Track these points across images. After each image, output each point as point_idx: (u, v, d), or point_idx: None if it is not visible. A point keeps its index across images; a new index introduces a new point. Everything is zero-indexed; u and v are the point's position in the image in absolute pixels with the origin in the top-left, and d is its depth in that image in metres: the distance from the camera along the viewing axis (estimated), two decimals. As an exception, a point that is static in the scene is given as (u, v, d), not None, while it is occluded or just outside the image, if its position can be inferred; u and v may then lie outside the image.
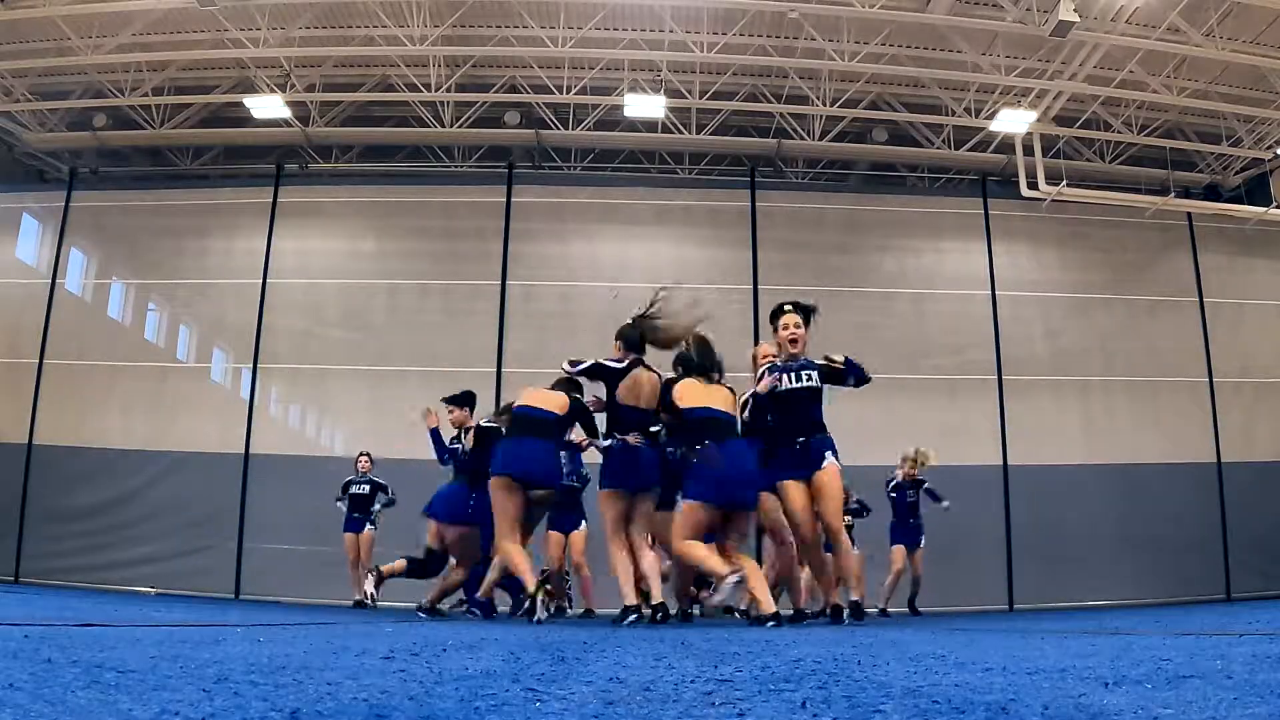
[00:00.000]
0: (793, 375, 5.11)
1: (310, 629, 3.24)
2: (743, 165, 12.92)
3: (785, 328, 5.21)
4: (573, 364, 5.38)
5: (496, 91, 11.85)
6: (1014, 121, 11.20)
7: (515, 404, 5.53)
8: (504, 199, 11.83)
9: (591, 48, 10.78)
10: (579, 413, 5.52)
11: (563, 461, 6.15)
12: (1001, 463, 11.02)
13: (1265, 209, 11.68)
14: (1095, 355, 11.73)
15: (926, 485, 8.74)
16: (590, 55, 11.01)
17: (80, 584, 10.25)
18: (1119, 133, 11.93)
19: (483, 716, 1.06)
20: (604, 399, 5.38)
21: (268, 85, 11.49)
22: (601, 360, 5.35)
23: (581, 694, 1.28)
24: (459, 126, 12.05)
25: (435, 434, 6.91)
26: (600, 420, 5.53)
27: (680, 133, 12.09)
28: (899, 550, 8.65)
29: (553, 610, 5.80)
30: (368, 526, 8.98)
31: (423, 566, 6.59)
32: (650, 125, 12.06)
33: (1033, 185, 11.40)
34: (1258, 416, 11.74)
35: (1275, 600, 9.51)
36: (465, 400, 6.85)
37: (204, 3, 9.49)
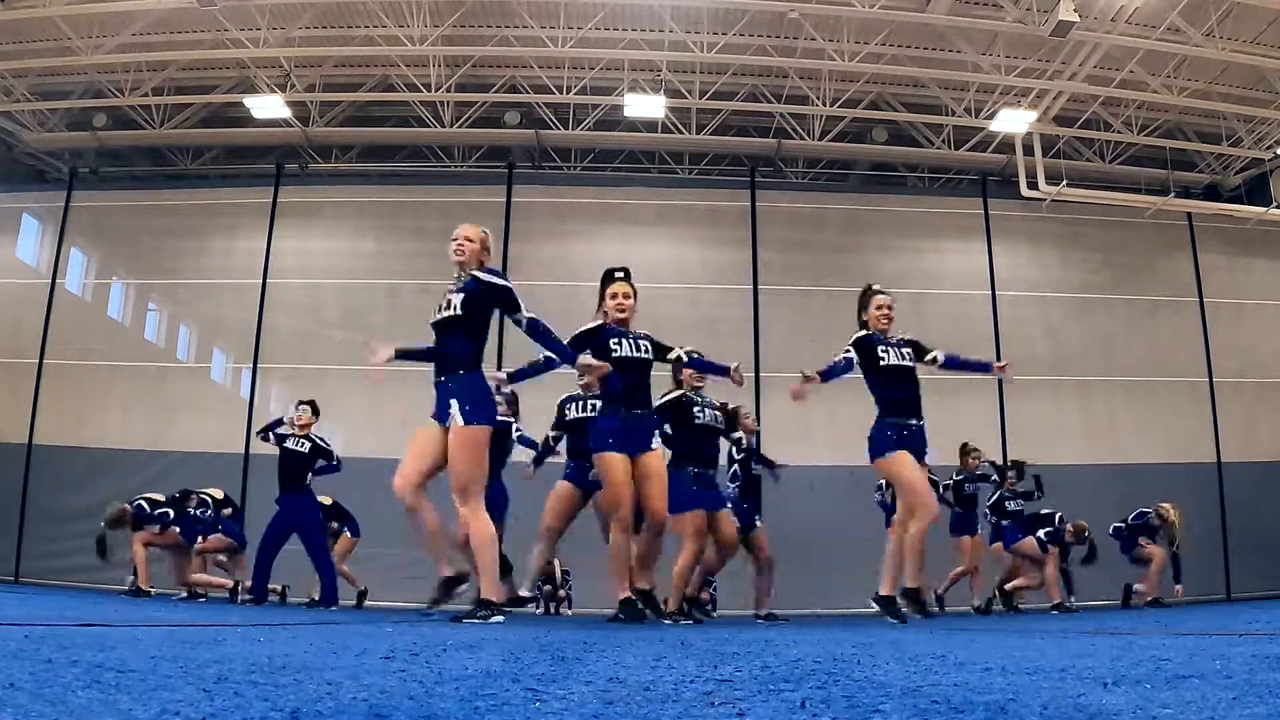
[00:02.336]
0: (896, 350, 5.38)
1: (310, 629, 3.24)
2: (743, 165, 12.92)
3: (880, 306, 5.46)
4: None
5: (496, 91, 11.85)
6: (1014, 121, 11.21)
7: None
8: (504, 199, 11.83)
9: (591, 48, 10.78)
10: None
11: None
12: (1002, 463, 11.00)
13: (1265, 209, 11.69)
14: (1095, 355, 11.73)
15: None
16: (590, 55, 11.01)
17: (80, 584, 10.25)
18: (1119, 133, 11.93)
19: (483, 716, 1.06)
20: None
21: (268, 85, 11.50)
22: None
23: (581, 694, 1.28)
24: (459, 126, 12.06)
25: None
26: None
27: (680, 133, 12.09)
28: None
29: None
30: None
31: None
32: (650, 125, 12.06)
33: (1033, 185, 11.40)
34: (1258, 416, 11.74)
35: (1275, 600, 9.51)
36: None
37: (204, 3, 9.49)
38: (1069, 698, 1.19)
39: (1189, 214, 12.02)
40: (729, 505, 6.18)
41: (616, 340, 4.97)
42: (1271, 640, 2.27)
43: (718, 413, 5.96)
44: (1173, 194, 11.90)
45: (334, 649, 2.11)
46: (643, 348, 5.05)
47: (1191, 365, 11.65)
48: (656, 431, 5.03)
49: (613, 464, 4.86)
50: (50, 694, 1.09)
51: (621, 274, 5.15)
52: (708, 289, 11.76)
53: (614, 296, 5.07)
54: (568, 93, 11.54)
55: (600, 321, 5.08)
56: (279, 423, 7.69)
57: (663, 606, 5.40)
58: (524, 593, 6.15)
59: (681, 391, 5.81)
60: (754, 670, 1.71)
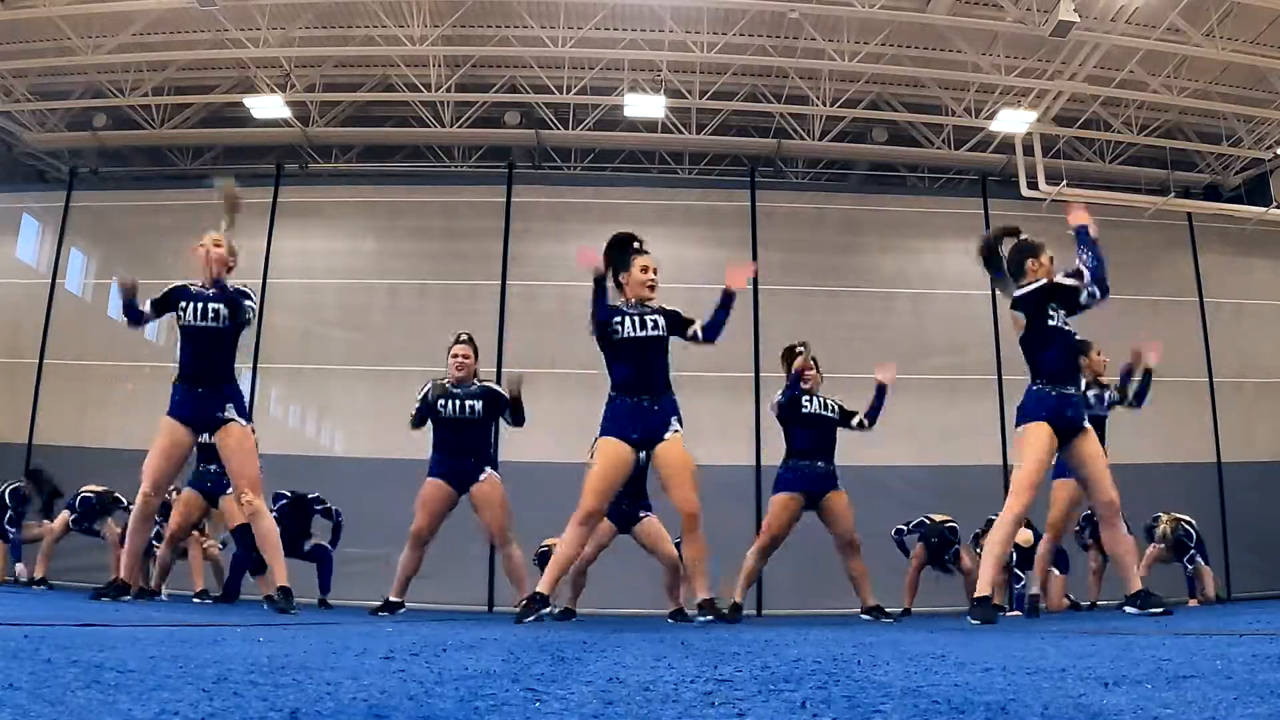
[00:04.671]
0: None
1: (310, 629, 3.24)
2: (743, 165, 12.92)
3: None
4: None
5: (496, 91, 11.85)
6: (1014, 121, 11.21)
7: None
8: (504, 199, 11.82)
9: (591, 48, 10.78)
10: None
11: None
12: (1002, 463, 10.99)
13: (1265, 209, 11.68)
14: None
15: None
16: (590, 55, 11.01)
17: (80, 584, 10.24)
18: (1119, 133, 11.93)
19: (482, 716, 1.06)
20: None
21: (268, 85, 11.50)
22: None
23: (581, 694, 1.27)
24: (459, 126, 12.06)
25: None
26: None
27: (680, 133, 12.09)
28: None
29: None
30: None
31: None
32: (650, 125, 12.07)
33: (1033, 185, 11.40)
34: (1258, 416, 11.73)
35: (1275, 600, 9.50)
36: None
37: (204, 3, 9.49)
38: (1070, 698, 1.19)
39: (1189, 214, 12.01)
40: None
41: (619, 319, 4.69)
42: (1272, 640, 2.27)
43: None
44: (1173, 194, 11.89)
45: (334, 649, 2.11)
46: (650, 324, 4.71)
47: (1191, 365, 11.64)
48: (675, 416, 4.60)
49: (606, 451, 4.57)
50: (49, 694, 1.09)
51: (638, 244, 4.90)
52: (708, 289, 11.71)
53: (644, 269, 4.83)
54: (568, 93, 11.54)
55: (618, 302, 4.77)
56: None
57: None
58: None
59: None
60: (754, 670, 1.71)
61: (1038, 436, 4.50)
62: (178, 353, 5.01)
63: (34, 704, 1.01)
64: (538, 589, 4.50)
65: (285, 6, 10.46)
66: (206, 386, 4.89)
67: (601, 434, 4.64)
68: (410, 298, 11.75)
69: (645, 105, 11.43)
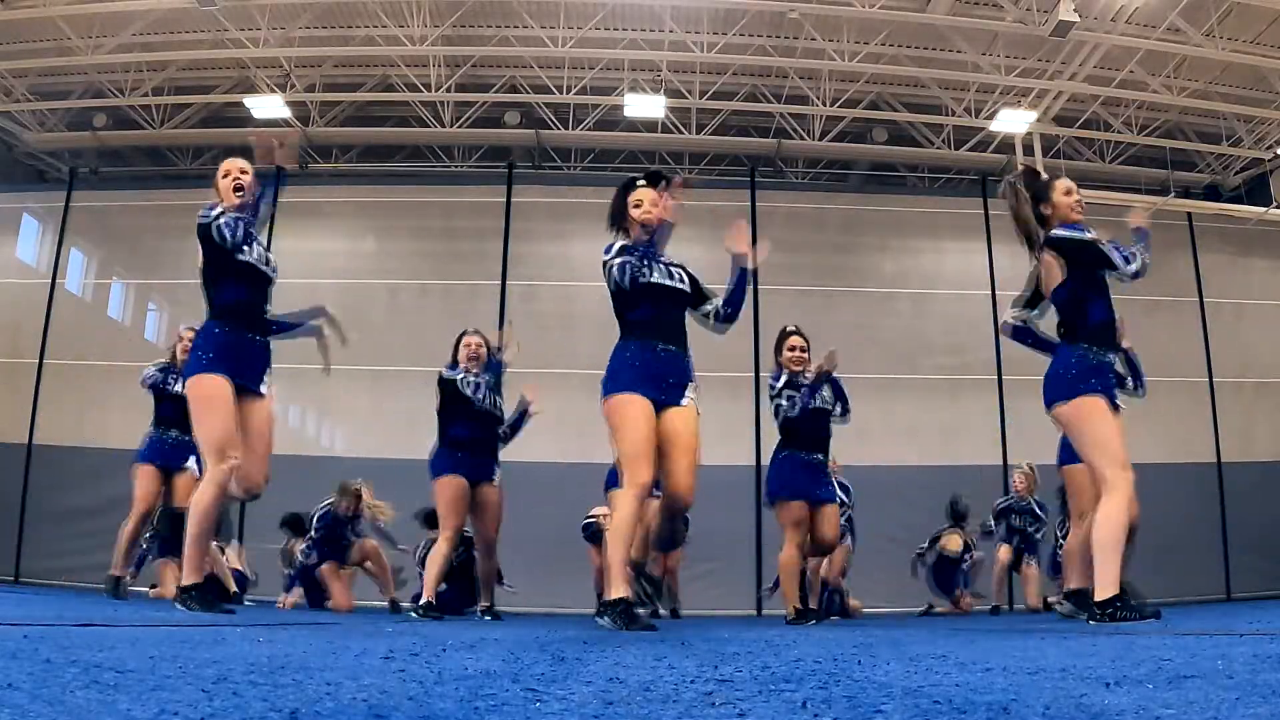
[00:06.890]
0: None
1: (310, 629, 3.24)
2: (743, 165, 12.92)
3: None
4: None
5: (496, 91, 11.86)
6: (1014, 121, 11.21)
7: None
8: (504, 199, 11.81)
9: (591, 48, 10.79)
10: None
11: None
12: (1002, 463, 11.00)
13: (1265, 209, 11.69)
14: (1095, 355, 11.73)
15: None
16: (590, 55, 11.02)
17: (80, 584, 10.23)
18: (1119, 133, 11.94)
19: (482, 716, 1.06)
20: None
21: (268, 85, 11.50)
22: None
23: (581, 694, 1.27)
24: (459, 126, 12.06)
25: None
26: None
27: (680, 133, 12.09)
28: None
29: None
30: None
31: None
32: (650, 125, 12.07)
33: (1033, 185, 11.40)
34: (1258, 416, 11.73)
35: (1275, 600, 9.50)
36: None
37: (204, 3, 9.50)
38: (1071, 698, 1.19)
39: (1189, 214, 12.01)
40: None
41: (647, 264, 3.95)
42: (1273, 640, 2.27)
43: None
44: (1173, 194, 11.90)
45: (334, 649, 2.11)
46: (676, 275, 4.07)
47: (1191, 365, 11.63)
48: (692, 381, 3.94)
49: (632, 405, 3.72)
50: (48, 694, 1.09)
51: (644, 181, 4.10)
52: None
53: (637, 205, 4.06)
54: (568, 93, 11.54)
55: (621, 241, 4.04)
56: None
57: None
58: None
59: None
60: (755, 670, 1.71)
61: (1101, 409, 3.88)
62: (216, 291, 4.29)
63: (34, 704, 1.01)
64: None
65: (285, 6, 10.47)
66: (254, 338, 4.36)
67: (611, 390, 3.79)
68: (410, 298, 11.74)
69: (645, 105, 11.44)
